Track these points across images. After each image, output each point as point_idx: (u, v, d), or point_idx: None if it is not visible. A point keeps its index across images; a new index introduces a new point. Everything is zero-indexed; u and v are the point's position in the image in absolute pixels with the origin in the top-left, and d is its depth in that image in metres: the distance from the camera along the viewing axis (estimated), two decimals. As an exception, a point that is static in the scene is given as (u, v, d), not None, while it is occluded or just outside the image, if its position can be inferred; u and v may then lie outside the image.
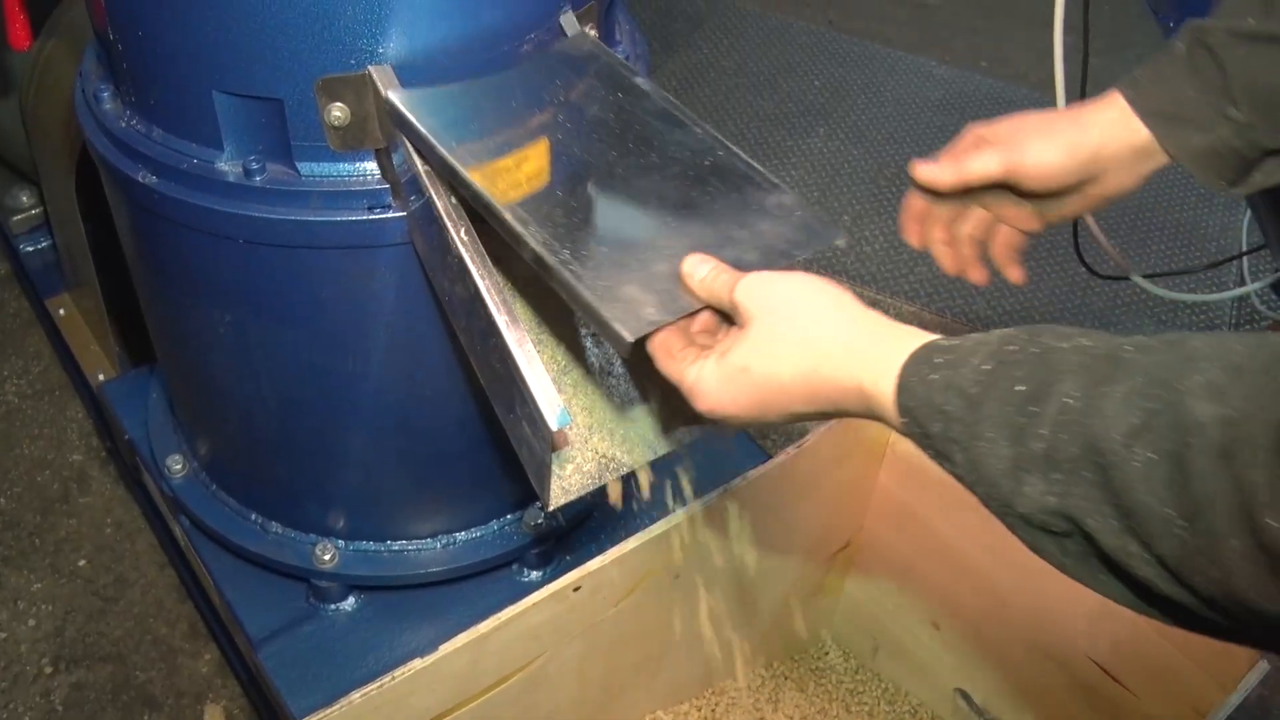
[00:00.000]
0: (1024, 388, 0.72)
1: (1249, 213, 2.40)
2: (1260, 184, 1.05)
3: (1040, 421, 0.70)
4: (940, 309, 2.48)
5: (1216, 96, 1.02)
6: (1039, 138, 1.06)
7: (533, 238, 0.95)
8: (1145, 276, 2.10)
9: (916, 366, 0.78)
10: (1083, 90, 2.02)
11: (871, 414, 0.82)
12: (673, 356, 0.91)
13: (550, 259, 0.94)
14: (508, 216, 0.97)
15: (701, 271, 0.92)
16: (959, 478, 0.77)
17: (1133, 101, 1.05)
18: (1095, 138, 1.05)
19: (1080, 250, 2.02)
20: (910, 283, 2.55)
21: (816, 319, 0.86)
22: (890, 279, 2.56)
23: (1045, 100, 2.04)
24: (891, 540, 1.61)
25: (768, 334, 0.87)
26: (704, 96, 3.14)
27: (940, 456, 0.78)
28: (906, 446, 1.50)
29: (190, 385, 1.46)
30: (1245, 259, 2.41)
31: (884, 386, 0.80)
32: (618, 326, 0.89)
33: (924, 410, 0.77)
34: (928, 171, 1.11)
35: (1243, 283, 2.42)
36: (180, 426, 1.59)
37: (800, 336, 0.86)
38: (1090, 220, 1.94)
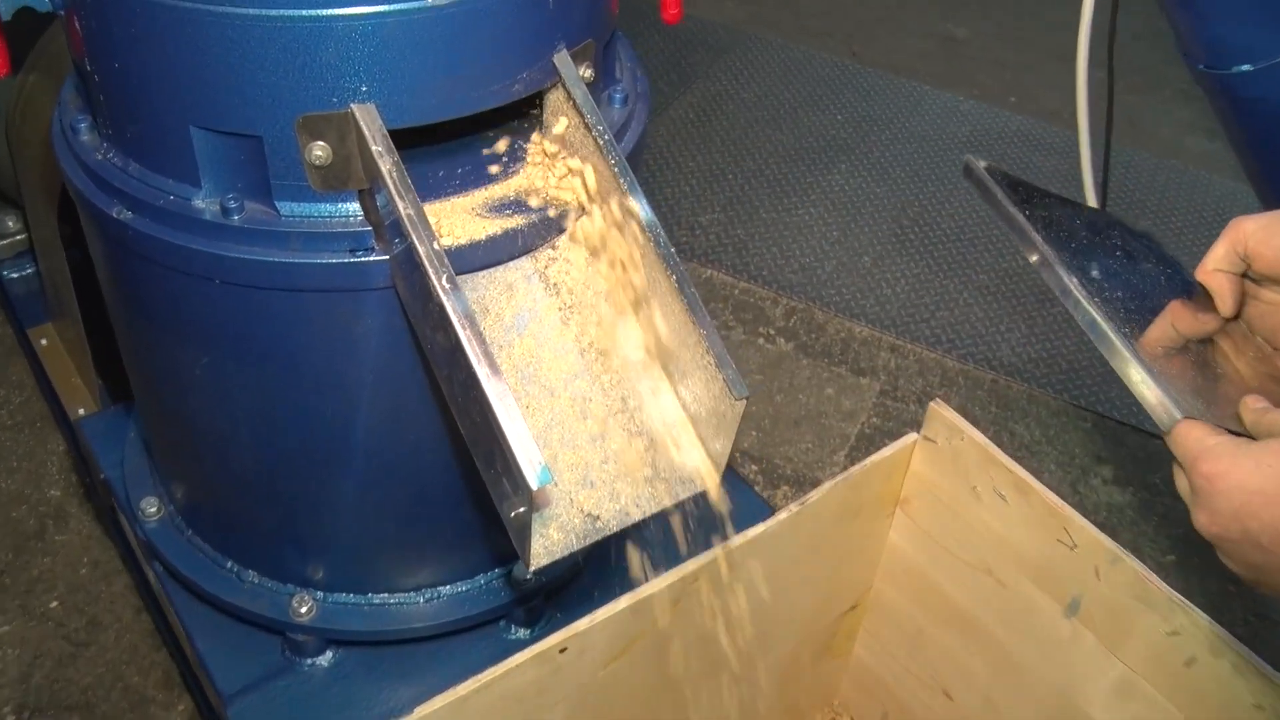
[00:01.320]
0: None
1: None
2: None
3: None
4: (963, 356, 2.47)
5: None
6: None
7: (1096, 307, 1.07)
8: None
9: None
10: (1108, 129, 2.03)
11: None
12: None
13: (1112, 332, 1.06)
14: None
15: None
16: None
17: None
18: None
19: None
20: (932, 328, 2.54)
21: None
22: (911, 324, 2.56)
23: (1073, 138, 2.05)
24: (902, 603, 1.60)
25: None
26: (722, 129, 3.15)
27: None
28: (918, 504, 1.49)
29: (165, 426, 1.46)
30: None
31: None
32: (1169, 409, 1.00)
33: None
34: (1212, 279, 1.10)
35: None
36: (156, 468, 1.59)
37: None
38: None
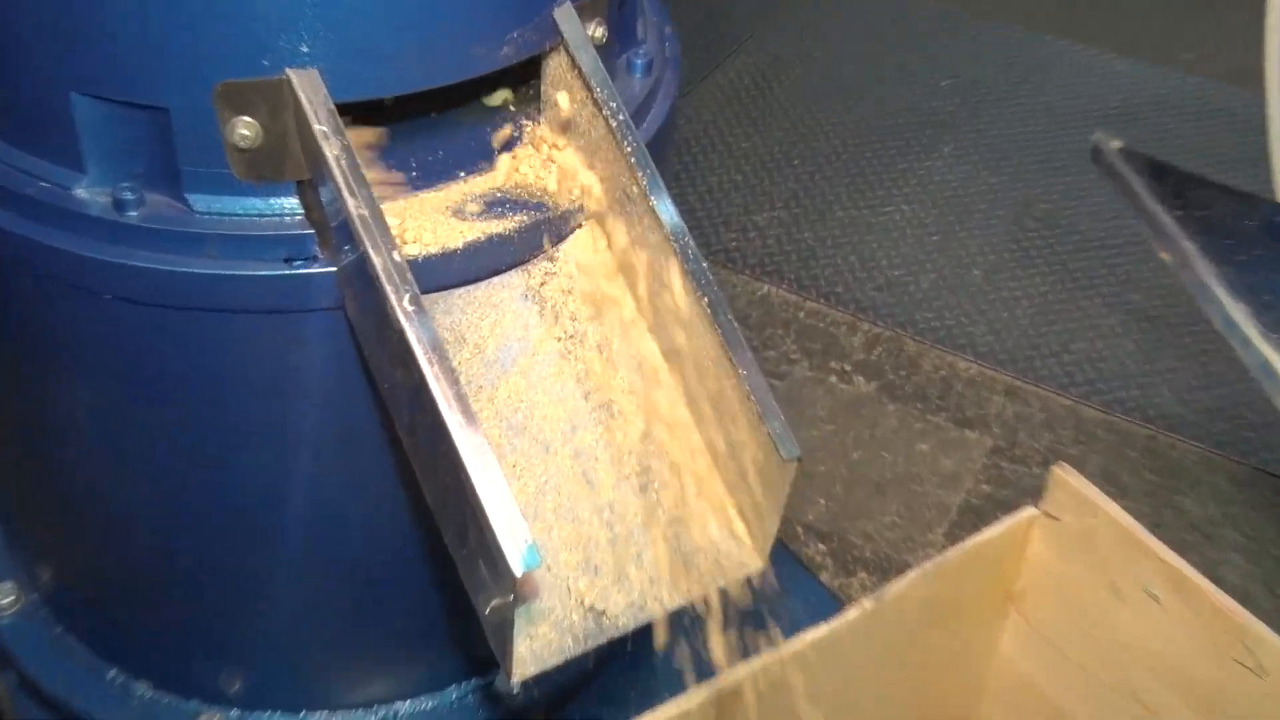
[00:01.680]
0: None
1: None
2: None
3: None
4: (1107, 403, 2.48)
5: None
6: None
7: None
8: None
9: None
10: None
11: None
12: None
13: None
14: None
15: None
16: None
17: None
18: None
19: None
20: (1064, 364, 2.55)
21: None
22: (1034, 358, 2.57)
23: (1261, 108, 2.06)
24: (1015, 732, 1.61)
25: None
26: (784, 101, 3.16)
27: None
28: (1038, 602, 1.50)
29: (29, 488, 1.47)
30: None
31: None
32: None
33: None
34: None
35: None
36: (14, 545, 1.60)
37: None
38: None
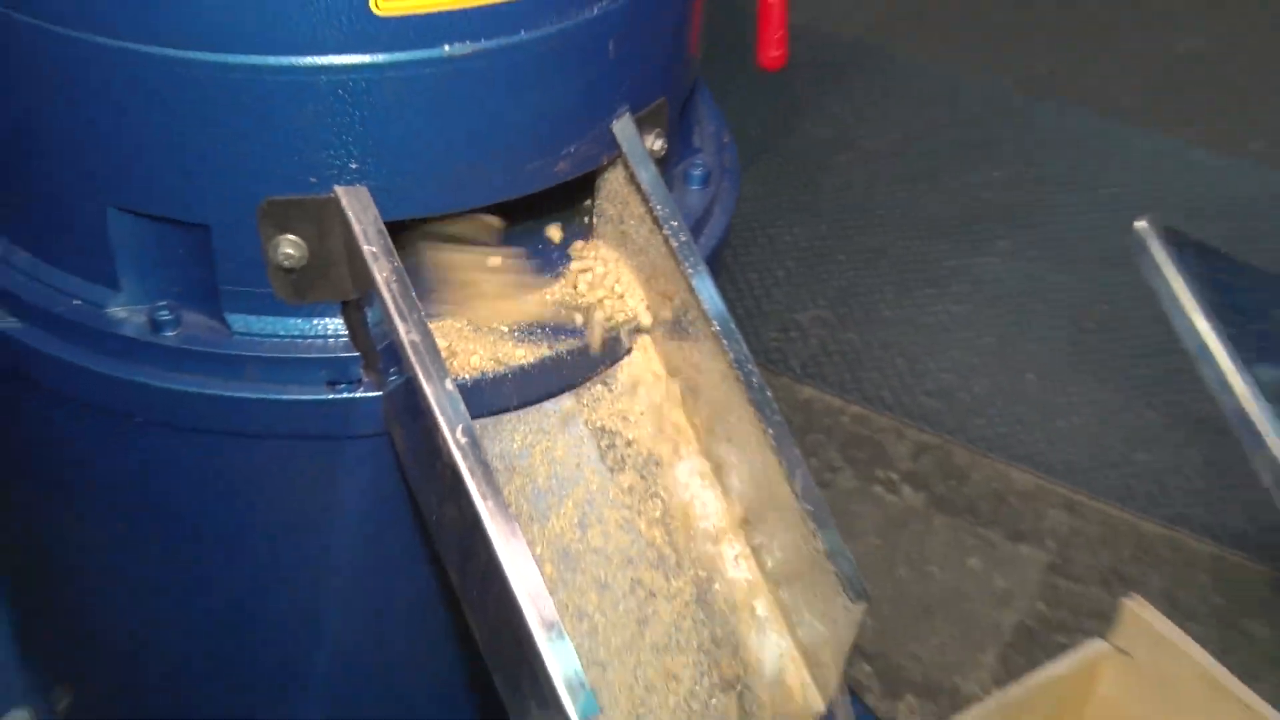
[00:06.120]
0: None
1: None
2: None
3: None
4: (1171, 518, 2.47)
5: None
6: None
7: None
8: None
9: None
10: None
11: None
12: None
13: None
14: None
15: None
16: None
17: None
18: None
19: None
20: (1124, 476, 2.55)
21: None
22: (1092, 470, 2.56)
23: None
24: None
25: None
26: (827, 191, 3.16)
27: None
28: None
29: (53, 613, 1.47)
30: None
31: None
32: None
33: None
34: None
35: None
36: (30, 667, 1.60)
37: None
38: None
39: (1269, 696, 1.34)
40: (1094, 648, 1.46)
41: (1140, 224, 1.17)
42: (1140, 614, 1.41)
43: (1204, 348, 1.13)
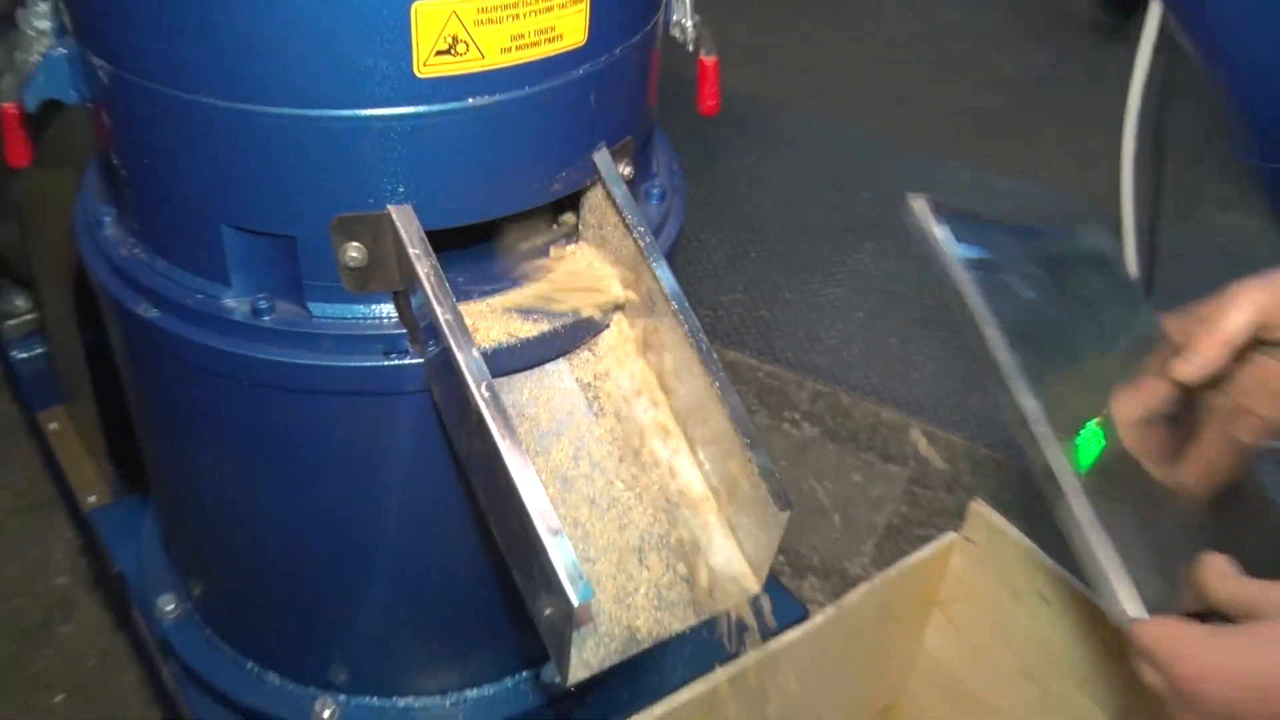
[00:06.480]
0: None
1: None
2: None
3: None
4: (993, 443, 2.46)
5: None
6: None
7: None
8: None
9: None
10: (1155, 206, 2.02)
11: None
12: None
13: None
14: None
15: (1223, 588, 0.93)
16: None
17: None
18: None
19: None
20: (962, 414, 2.53)
21: None
22: (939, 409, 2.55)
23: (1116, 216, 2.04)
24: (935, 707, 1.59)
25: None
26: (745, 208, 3.15)
27: None
28: (957, 606, 1.48)
29: (186, 524, 1.45)
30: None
31: None
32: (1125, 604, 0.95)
33: None
34: (1193, 367, 1.03)
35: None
36: (174, 563, 1.58)
37: None
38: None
39: (1065, 563, 1.33)
40: (949, 538, 1.44)
41: (912, 198, 1.11)
42: (981, 511, 1.40)
43: (961, 296, 1.08)
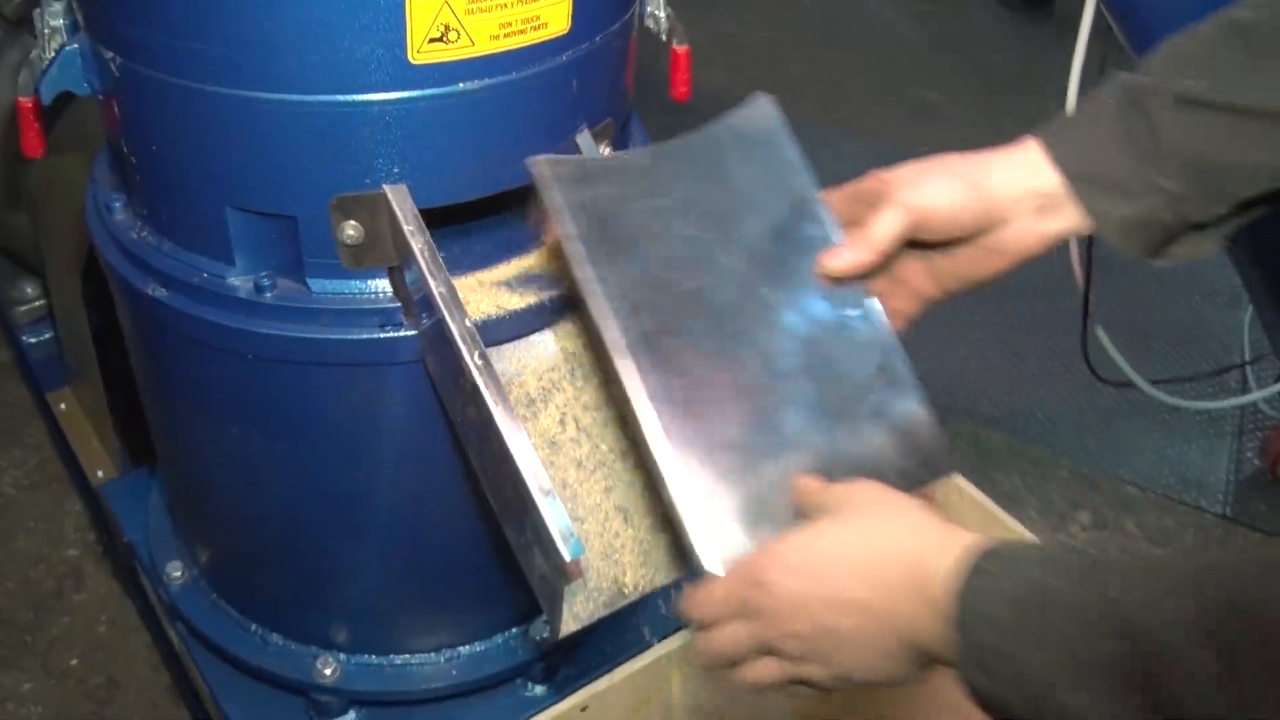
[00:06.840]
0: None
1: (1250, 311, 2.40)
2: (1179, 257, 0.99)
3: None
4: (940, 405, 2.45)
5: (1148, 165, 0.94)
6: (940, 176, 1.01)
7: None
8: (1152, 383, 2.09)
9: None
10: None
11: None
12: None
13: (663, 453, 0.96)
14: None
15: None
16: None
17: (1055, 157, 0.98)
18: (999, 179, 0.99)
19: (1088, 355, 2.01)
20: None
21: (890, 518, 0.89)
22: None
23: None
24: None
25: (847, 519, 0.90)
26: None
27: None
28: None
29: (192, 493, 1.44)
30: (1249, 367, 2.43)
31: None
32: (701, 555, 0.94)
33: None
34: (844, 262, 1.05)
35: (1245, 389, 2.43)
36: (180, 532, 1.56)
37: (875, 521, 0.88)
38: (1100, 330, 1.93)
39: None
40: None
41: (531, 162, 1.03)
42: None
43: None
